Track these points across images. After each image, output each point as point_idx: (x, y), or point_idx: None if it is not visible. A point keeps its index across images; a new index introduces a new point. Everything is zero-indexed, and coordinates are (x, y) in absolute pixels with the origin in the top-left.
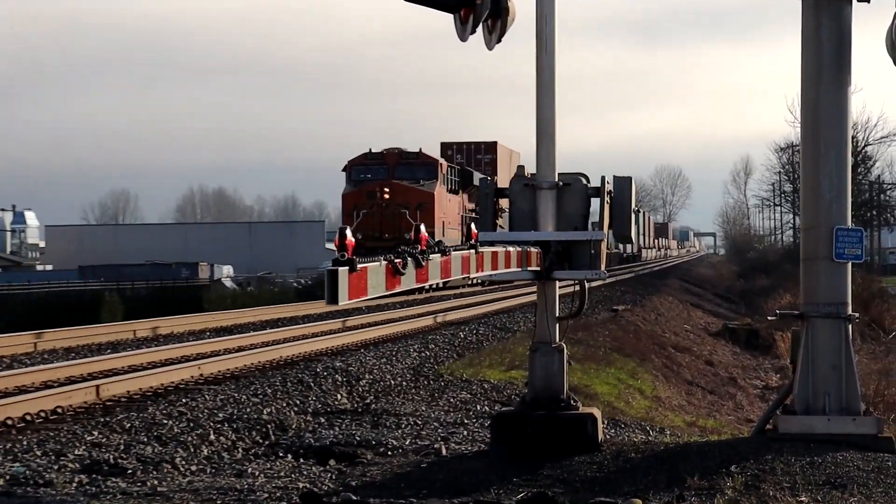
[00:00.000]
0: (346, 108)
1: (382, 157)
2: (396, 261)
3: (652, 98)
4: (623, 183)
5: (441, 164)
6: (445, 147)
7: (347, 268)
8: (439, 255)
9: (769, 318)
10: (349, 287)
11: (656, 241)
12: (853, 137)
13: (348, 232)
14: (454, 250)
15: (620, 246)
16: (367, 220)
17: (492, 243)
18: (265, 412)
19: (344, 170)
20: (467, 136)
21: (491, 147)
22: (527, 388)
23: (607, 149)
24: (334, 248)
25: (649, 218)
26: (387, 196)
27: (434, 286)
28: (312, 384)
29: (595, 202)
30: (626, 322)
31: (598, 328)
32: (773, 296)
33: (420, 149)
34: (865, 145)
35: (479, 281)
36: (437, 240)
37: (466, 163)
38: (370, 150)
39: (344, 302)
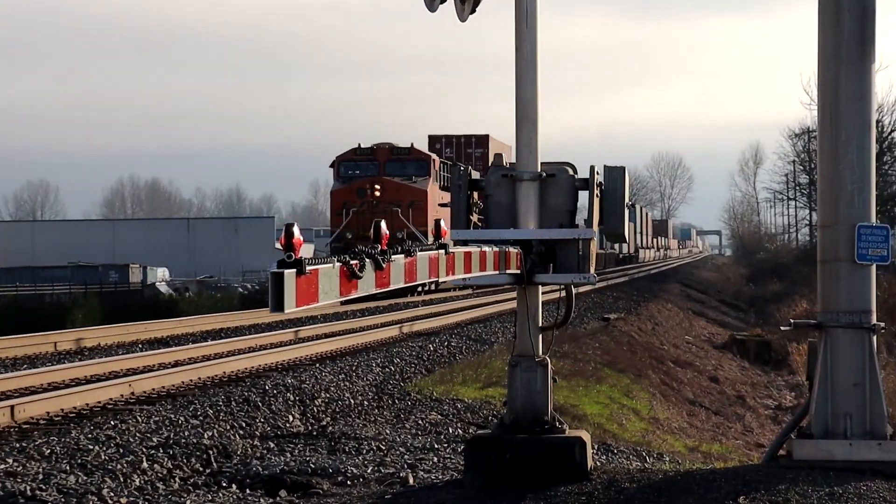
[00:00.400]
0: (300, 87)
1: (372, 152)
2: (352, 262)
3: (649, 77)
4: (615, 173)
5: (434, 160)
6: (433, 140)
7: (294, 270)
8: (403, 255)
9: (782, 328)
10: (297, 292)
11: (655, 240)
12: (878, 122)
13: (296, 229)
14: (420, 250)
15: (616, 246)
16: (357, 219)
17: (465, 243)
18: (206, 436)
19: (331, 165)
20: (447, 123)
21: (482, 140)
22: (506, 409)
23: (598, 135)
24: (281, 248)
25: (647, 214)
26: (378, 193)
27: (423, 288)
28: (260, 404)
29: (583, 196)
30: (620, 333)
31: (588, 340)
32: (786, 303)
33: (412, 144)
34: (892, 131)
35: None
36: (431, 239)
37: (456, 157)
38: (359, 144)
39: (291, 310)
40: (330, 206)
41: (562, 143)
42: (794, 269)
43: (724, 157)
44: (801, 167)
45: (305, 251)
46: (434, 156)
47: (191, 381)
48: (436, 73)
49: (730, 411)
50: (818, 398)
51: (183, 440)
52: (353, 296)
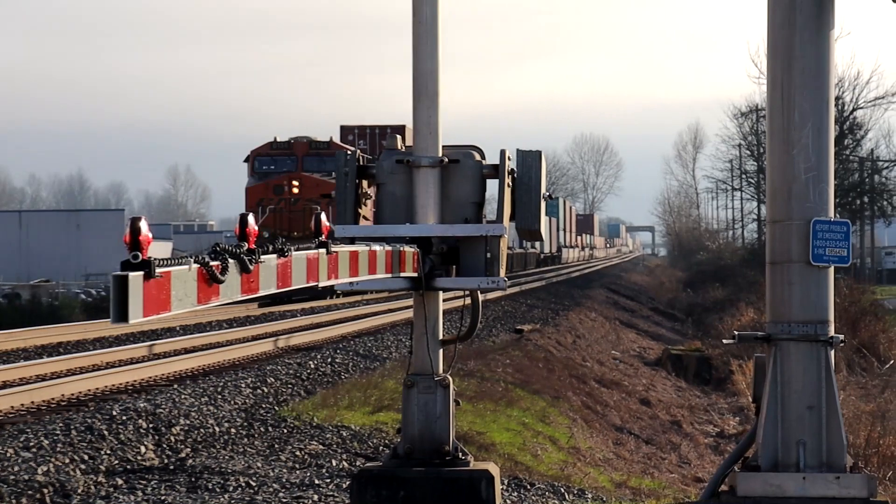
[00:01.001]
0: (157, 54)
1: (290, 146)
2: (212, 264)
3: (569, 47)
4: (530, 159)
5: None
6: (346, 131)
7: (141, 273)
8: (275, 255)
9: (725, 341)
10: (144, 299)
11: (579, 237)
12: (837, 98)
13: (143, 223)
14: (297, 249)
15: (536, 245)
16: (275, 218)
17: (352, 240)
18: (40, 472)
19: (246, 160)
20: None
21: (399, 131)
22: (399, 437)
23: (510, 114)
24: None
25: (571, 208)
26: (296, 190)
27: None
28: (106, 432)
29: (493, 185)
30: (535, 347)
31: (497, 355)
32: (730, 312)
33: (331, 138)
34: (854, 109)
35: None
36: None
37: (370, 150)
38: (275, 138)
39: (137, 320)
40: (245, 204)
41: (468, 124)
42: (740, 273)
43: (657, 140)
44: (749, 152)
45: (159, 250)
46: (358, 151)
47: (22, 405)
48: (324, 38)
49: (663, 439)
50: (766, 424)
51: (12, 477)
52: (214, 303)
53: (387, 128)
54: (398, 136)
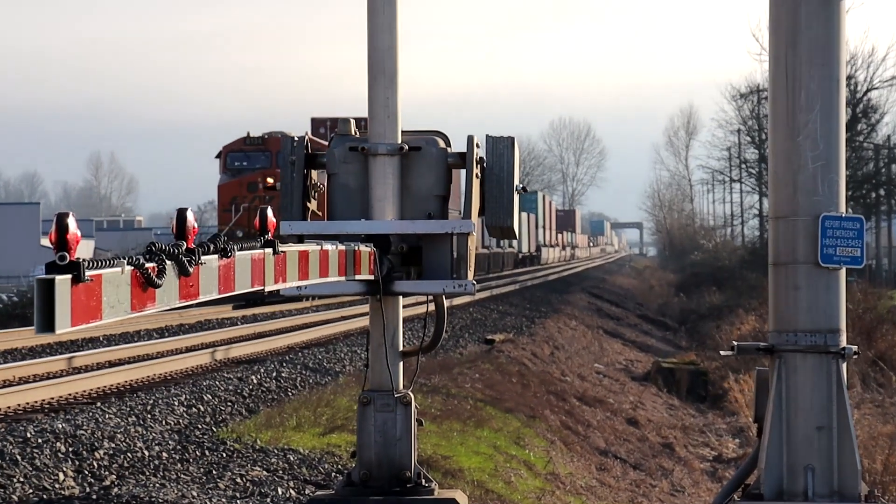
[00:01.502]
0: (75, 25)
1: (264, 142)
2: (148, 266)
3: (546, 19)
4: (502, 146)
5: None
6: (317, 123)
7: (70, 276)
8: (216, 256)
9: (723, 353)
10: (73, 306)
11: (560, 236)
12: (849, 78)
13: (71, 220)
14: (241, 249)
15: (514, 244)
16: (249, 216)
17: (300, 238)
18: None
19: (218, 156)
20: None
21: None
22: (354, 461)
23: (480, 96)
24: (50, 245)
25: (551, 203)
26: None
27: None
28: (19, 457)
29: (459, 176)
30: (508, 360)
31: (465, 369)
32: (728, 319)
33: (307, 132)
34: (868, 90)
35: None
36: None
37: None
38: (248, 133)
39: (64, 329)
40: (217, 202)
41: (431, 108)
42: (739, 275)
43: (645, 125)
44: (749, 138)
45: (84, 251)
46: (307, 137)
47: None
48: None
49: (653, 464)
50: (770, 447)
51: None
52: (150, 310)
53: (361, 119)
54: (351, 120)
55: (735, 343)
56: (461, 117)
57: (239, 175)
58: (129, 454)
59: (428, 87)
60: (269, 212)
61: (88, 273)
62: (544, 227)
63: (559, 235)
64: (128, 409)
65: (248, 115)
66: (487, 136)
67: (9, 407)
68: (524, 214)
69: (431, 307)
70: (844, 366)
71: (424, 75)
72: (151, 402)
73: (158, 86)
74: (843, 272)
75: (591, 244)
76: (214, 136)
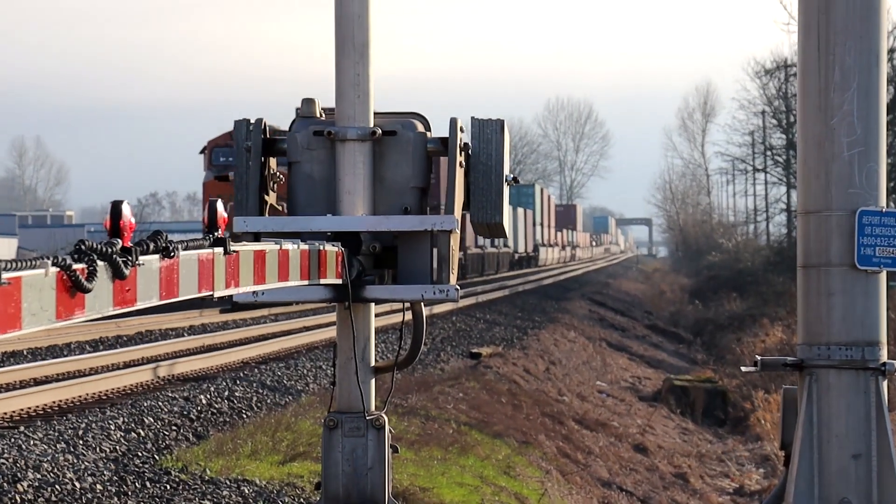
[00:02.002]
0: None
1: None
2: (76, 267)
3: None
4: (490, 130)
5: None
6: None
7: None
8: (157, 256)
9: (745, 369)
10: None
11: (559, 234)
12: (891, 51)
13: None
14: (186, 248)
15: (509, 244)
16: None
17: (256, 236)
18: None
19: (202, 152)
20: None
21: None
22: (319, 494)
23: (463, 74)
24: None
25: (550, 198)
26: None
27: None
28: None
29: (441, 165)
30: (496, 377)
31: (447, 387)
32: (750, 330)
33: (264, 120)
34: None
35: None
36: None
37: None
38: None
39: None
40: (202, 200)
41: (409, 88)
42: (763, 279)
43: (656, 105)
44: (775, 121)
45: (5, 250)
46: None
47: None
48: None
49: (664, 498)
50: (799, 478)
51: None
52: (80, 319)
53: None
54: (316, 100)
55: (758, 357)
56: (444, 98)
57: (225, 171)
58: (57, 486)
59: (405, 64)
60: (220, 205)
61: (6, 275)
62: (542, 225)
63: (559, 234)
64: (56, 433)
65: (205, 97)
66: (473, 118)
67: None
68: (520, 210)
69: (408, 316)
70: (885, 384)
71: (401, 49)
72: (84, 425)
73: (93, 60)
74: (883, 276)
75: (594, 243)
76: (161, 120)
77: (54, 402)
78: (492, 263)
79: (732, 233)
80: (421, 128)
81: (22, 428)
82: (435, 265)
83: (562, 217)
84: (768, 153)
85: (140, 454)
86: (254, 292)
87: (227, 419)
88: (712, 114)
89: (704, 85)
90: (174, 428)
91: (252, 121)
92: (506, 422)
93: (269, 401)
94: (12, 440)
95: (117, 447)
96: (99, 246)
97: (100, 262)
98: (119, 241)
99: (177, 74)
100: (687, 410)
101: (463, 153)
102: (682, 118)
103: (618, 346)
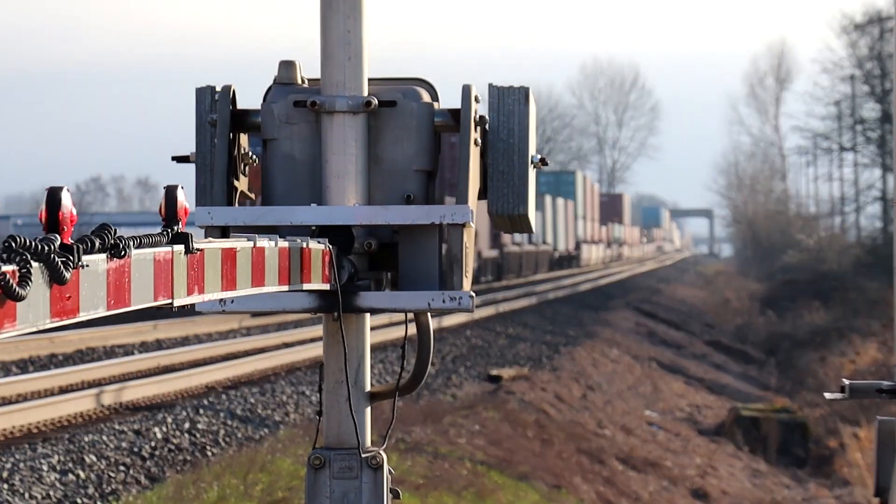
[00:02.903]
0: None
1: None
2: (6, 269)
3: None
4: (511, 101)
5: None
6: None
7: None
8: (105, 255)
9: (829, 396)
10: None
11: (603, 228)
12: None
13: None
14: (139, 246)
15: (548, 241)
16: None
17: (224, 231)
18: None
19: None
20: None
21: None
22: None
23: (478, 30)
24: None
25: (594, 187)
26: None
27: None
28: None
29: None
30: (520, 404)
31: (460, 418)
32: (836, 348)
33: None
34: None
35: None
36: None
37: None
38: None
39: None
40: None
41: (414, 53)
42: (853, 284)
43: (717, 70)
44: (867, 88)
45: None
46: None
47: None
48: None
49: None
50: None
51: None
52: (9, 333)
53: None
54: (296, 63)
55: (847, 382)
56: (454, 62)
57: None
58: None
59: (408, 23)
60: (181, 192)
61: None
62: (585, 218)
63: (603, 228)
64: None
65: (165, 60)
66: (491, 85)
67: None
68: (560, 201)
69: (412, 329)
70: None
71: (404, 7)
72: (10, 465)
73: (23, 23)
74: None
75: (645, 240)
76: (104, 85)
77: None
78: (530, 263)
79: (814, 227)
80: (427, 97)
81: None
82: (446, 267)
83: (606, 209)
84: (858, 128)
85: (80, 500)
86: (221, 300)
87: (188, 457)
88: (788, 79)
89: (779, 44)
90: (122, 468)
91: (218, 88)
92: (533, 461)
93: (239, 434)
94: None
95: (51, 492)
96: (33, 244)
97: (34, 264)
98: (58, 237)
99: (130, 31)
100: (758, 447)
101: (479, 128)
102: (750, 84)
103: (671, 368)
